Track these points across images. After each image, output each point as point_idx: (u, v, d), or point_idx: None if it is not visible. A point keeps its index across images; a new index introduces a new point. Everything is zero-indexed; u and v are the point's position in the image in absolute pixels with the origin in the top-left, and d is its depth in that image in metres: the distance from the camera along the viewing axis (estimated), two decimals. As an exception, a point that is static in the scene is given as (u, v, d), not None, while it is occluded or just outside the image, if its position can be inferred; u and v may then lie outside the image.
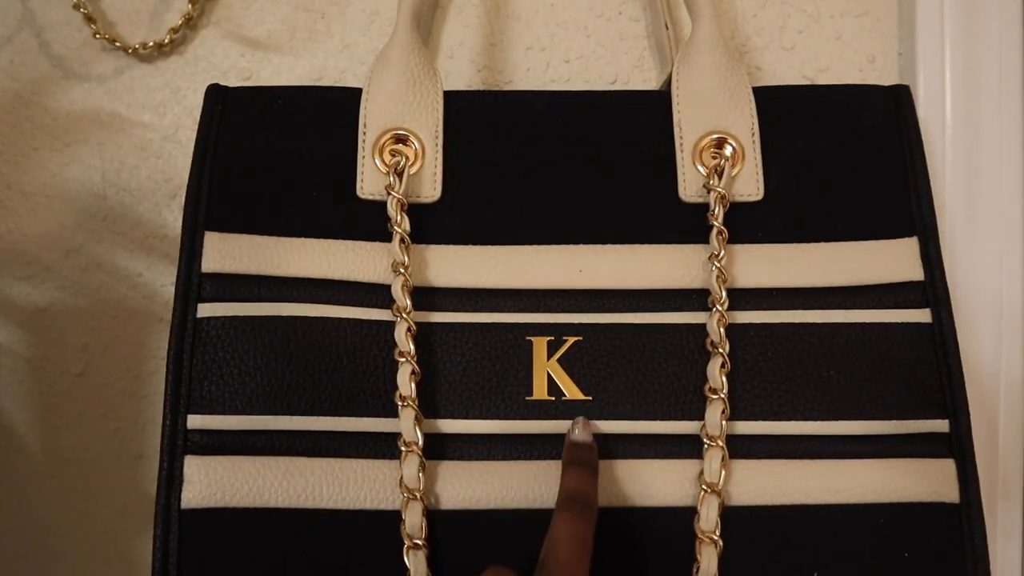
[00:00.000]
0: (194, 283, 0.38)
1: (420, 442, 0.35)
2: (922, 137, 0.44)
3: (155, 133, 0.52)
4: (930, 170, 0.44)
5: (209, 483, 0.36)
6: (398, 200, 0.38)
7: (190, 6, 0.51)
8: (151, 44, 0.51)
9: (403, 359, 0.36)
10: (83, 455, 0.53)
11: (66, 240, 0.53)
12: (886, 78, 0.49)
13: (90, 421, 0.53)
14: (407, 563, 0.34)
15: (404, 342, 0.36)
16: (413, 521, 0.35)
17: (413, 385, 0.36)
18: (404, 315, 0.36)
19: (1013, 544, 0.46)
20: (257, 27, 0.52)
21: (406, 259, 0.37)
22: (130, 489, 0.53)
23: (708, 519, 0.34)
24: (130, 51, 0.52)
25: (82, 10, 0.51)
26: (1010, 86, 0.47)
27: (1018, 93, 0.47)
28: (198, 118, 0.50)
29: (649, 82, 0.50)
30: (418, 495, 0.35)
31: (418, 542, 0.34)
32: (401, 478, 0.35)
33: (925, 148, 0.45)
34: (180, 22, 0.51)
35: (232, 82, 0.51)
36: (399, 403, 0.36)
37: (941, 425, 0.37)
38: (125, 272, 0.52)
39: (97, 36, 0.52)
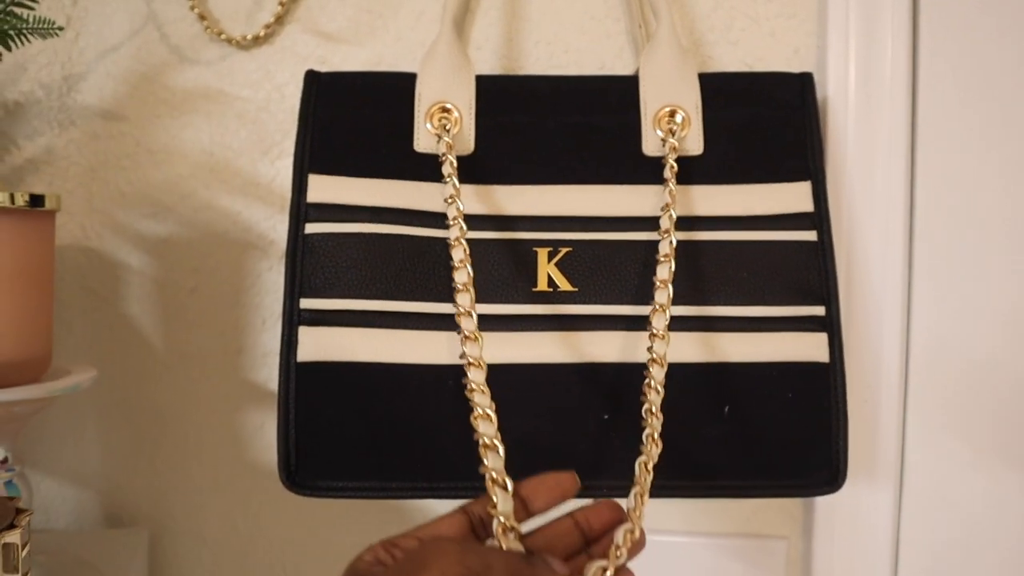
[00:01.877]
0: (302, 210, 0.54)
1: (475, 314, 0.48)
2: (830, 107, 0.60)
3: (251, 105, 0.67)
4: (834, 131, 0.60)
5: (316, 345, 0.52)
6: (447, 143, 0.53)
7: (280, 7, 0.66)
8: (249, 36, 0.66)
9: (461, 261, 0.49)
10: (195, 351, 0.68)
11: (182, 187, 0.68)
12: (807, 65, 0.64)
13: (200, 326, 0.68)
14: (471, 394, 0.46)
15: (459, 250, 0.49)
16: (475, 372, 0.47)
17: (468, 276, 0.49)
18: (459, 231, 0.50)
19: (894, 390, 0.62)
20: (330, 24, 0.67)
21: (456, 190, 0.51)
22: (232, 376, 0.68)
23: (654, 369, 0.50)
24: (232, 42, 0.66)
25: (195, 10, 0.67)
26: (898, 71, 0.62)
27: (904, 77, 0.62)
28: (285, 94, 0.66)
29: (627, 68, 0.65)
30: (475, 351, 0.47)
31: (480, 385, 0.46)
32: (463, 337, 0.48)
33: (832, 116, 0.61)
34: (271, 19, 0.66)
35: (310, 66, 0.66)
36: (458, 288, 0.49)
37: (819, 310, 0.53)
38: (228, 211, 0.68)
39: (207, 30, 0.67)
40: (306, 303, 0.52)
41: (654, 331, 0.50)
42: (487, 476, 0.42)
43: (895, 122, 0.62)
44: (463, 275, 0.50)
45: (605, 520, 0.43)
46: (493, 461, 0.43)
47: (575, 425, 0.51)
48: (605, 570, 0.39)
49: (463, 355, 0.48)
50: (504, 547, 0.39)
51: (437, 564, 0.32)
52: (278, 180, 0.67)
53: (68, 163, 0.68)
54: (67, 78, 0.68)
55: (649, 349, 0.49)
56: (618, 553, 0.39)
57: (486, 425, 0.45)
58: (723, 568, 0.66)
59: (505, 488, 0.41)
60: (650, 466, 0.44)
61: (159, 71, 0.68)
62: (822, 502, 0.64)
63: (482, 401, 0.46)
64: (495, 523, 0.40)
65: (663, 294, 0.51)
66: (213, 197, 0.68)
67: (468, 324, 0.49)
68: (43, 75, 0.68)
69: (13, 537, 0.40)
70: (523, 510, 0.41)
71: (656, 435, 0.45)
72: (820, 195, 0.55)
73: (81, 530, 0.70)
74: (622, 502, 0.45)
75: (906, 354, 0.63)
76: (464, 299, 0.49)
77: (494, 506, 0.40)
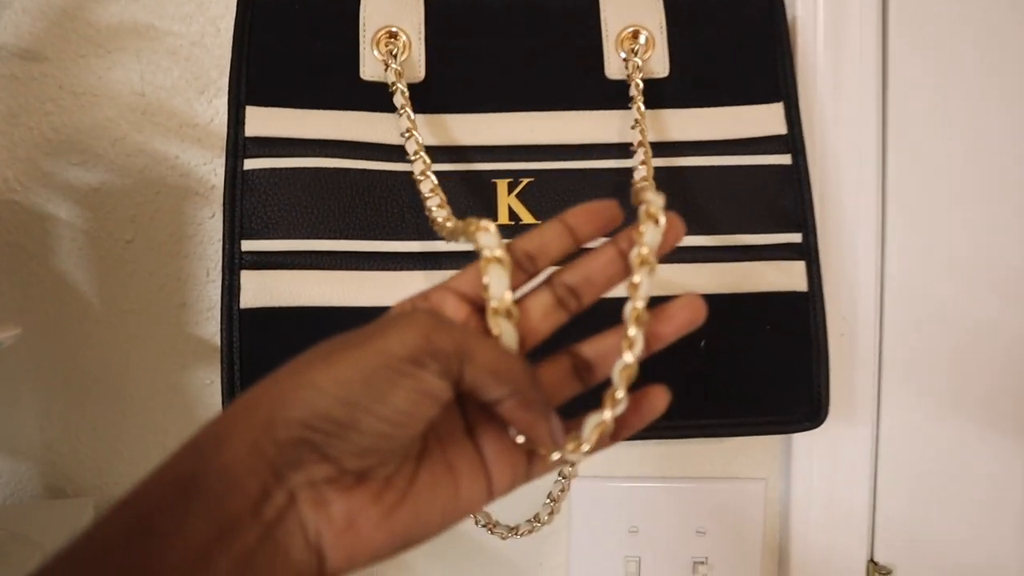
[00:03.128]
0: (240, 145, 0.50)
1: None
2: (799, 25, 0.57)
3: (184, 40, 0.62)
4: (803, 50, 0.57)
5: (259, 290, 0.48)
6: (396, 71, 0.50)
7: (209, -68, 0.61)
8: (177, -35, 0.62)
9: (430, 193, 0.45)
10: (135, 307, 0.64)
11: (112, 131, 0.63)
12: (775, -15, 0.61)
13: (140, 279, 0.64)
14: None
15: (426, 177, 0.46)
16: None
17: (442, 207, 0.45)
18: (420, 161, 0.46)
19: (870, 321, 0.60)
20: (266, -51, 0.62)
21: (410, 113, 0.48)
22: (176, 332, 0.64)
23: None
24: (159, -29, 0.62)
25: (117, -63, 0.62)
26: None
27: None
28: (221, 28, 0.61)
29: (587, -9, 0.61)
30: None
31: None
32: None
33: (802, 36, 0.58)
34: (201, -54, 0.62)
35: (247, -4, 0.61)
36: (433, 214, 0.44)
37: (796, 237, 0.51)
38: (164, 155, 0.63)
39: (131, -41, 0.62)
40: (248, 245, 0.48)
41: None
42: (480, 253, 0.34)
43: (865, 40, 0.59)
44: (439, 207, 0.46)
45: (598, 225, 0.35)
46: (485, 239, 0.34)
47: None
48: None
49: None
50: (496, 332, 0.33)
51: (400, 332, 0.28)
52: (217, 120, 0.62)
53: (-15, 108, 0.63)
54: (-21, 16, 0.63)
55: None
56: (616, 397, 0.33)
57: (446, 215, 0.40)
58: (700, 512, 0.64)
59: (501, 263, 0.33)
60: (650, 256, 0.36)
61: (80, 5, 0.62)
62: (800, 441, 0.62)
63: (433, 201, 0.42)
64: (490, 311, 0.33)
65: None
66: (147, 141, 0.63)
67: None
68: (-48, 12, 0.63)
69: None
70: (570, 238, 0.35)
71: (654, 209, 0.39)
72: (793, 117, 0.52)
73: (20, 503, 0.65)
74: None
75: (880, 284, 0.61)
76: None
77: (485, 289, 0.33)
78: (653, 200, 0.34)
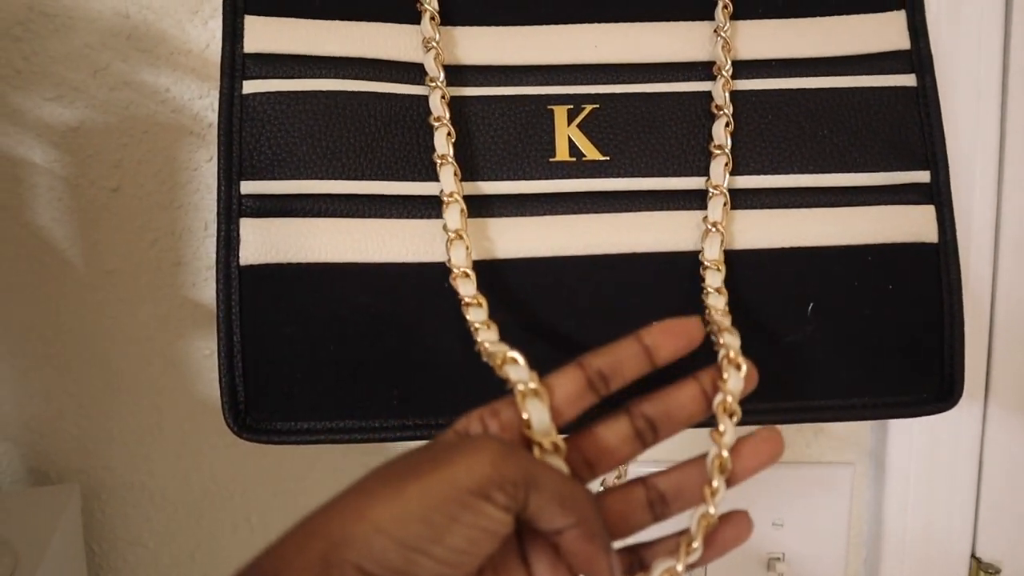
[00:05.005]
0: (238, 63, 0.41)
1: (461, 191, 0.39)
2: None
3: (174, -51, 0.54)
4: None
5: (263, 242, 0.39)
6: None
7: None
8: None
9: (438, 123, 0.39)
10: (123, 266, 0.56)
11: (92, 60, 0.54)
12: None
13: (128, 233, 0.56)
14: (457, 287, 0.37)
15: (439, 107, 0.39)
16: (458, 256, 0.38)
17: (450, 146, 0.39)
18: (438, 84, 0.40)
19: (983, 282, 0.51)
20: None
21: (436, 35, 0.40)
22: (171, 295, 0.56)
23: (712, 252, 0.38)
24: None
25: None
26: None
27: None
28: (216, -67, 0.52)
29: None
30: (464, 235, 0.38)
31: (466, 271, 0.38)
32: (445, 225, 0.39)
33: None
34: None
35: None
36: (438, 161, 0.39)
37: (923, 176, 0.41)
38: (153, 88, 0.55)
39: None
40: (248, 187, 0.40)
41: (711, 209, 0.38)
42: (515, 390, 0.32)
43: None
44: (443, 144, 0.39)
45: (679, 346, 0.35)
46: (515, 373, 0.33)
47: (613, 335, 0.39)
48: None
49: (448, 231, 0.38)
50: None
51: (467, 460, 0.28)
52: (214, 45, 0.54)
53: (-56, 35, 0.54)
54: (-65, -77, 0.54)
55: (706, 233, 0.38)
56: (691, 547, 0.32)
57: (489, 336, 0.36)
58: (776, 502, 0.56)
59: (537, 396, 0.32)
60: (734, 404, 0.35)
61: (53, -90, 0.53)
62: (895, 422, 0.53)
63: (466, 291, 0.37)
64: (535, 447, 0.32)
65: (721, 159, 0.39)
66: (133, 71, 0.55)
67: (453, 210, 0.39)
68: (-97, -80, 0.54)
69: None
70: (647, 360, 0.34)
71: (733, 353, 0.34)
72: (919, 27, 0.43)
73: (-2, 489, 0.58)
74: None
75: (996, 238, 0.52)
76: (448, 176, 0.38)
77: (528, 425, 0.32)
78: (731, 344, 0.34)
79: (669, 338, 0.34)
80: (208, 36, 0.54)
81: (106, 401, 0.58)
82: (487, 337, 0.35)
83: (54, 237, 0.56)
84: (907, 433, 0.54)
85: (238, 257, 0.39)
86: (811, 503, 0.56)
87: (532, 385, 0.32)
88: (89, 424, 0.58)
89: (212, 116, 0.54)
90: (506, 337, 0.36)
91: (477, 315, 0.36)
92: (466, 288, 0.37)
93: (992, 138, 0.50)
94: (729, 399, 0.34)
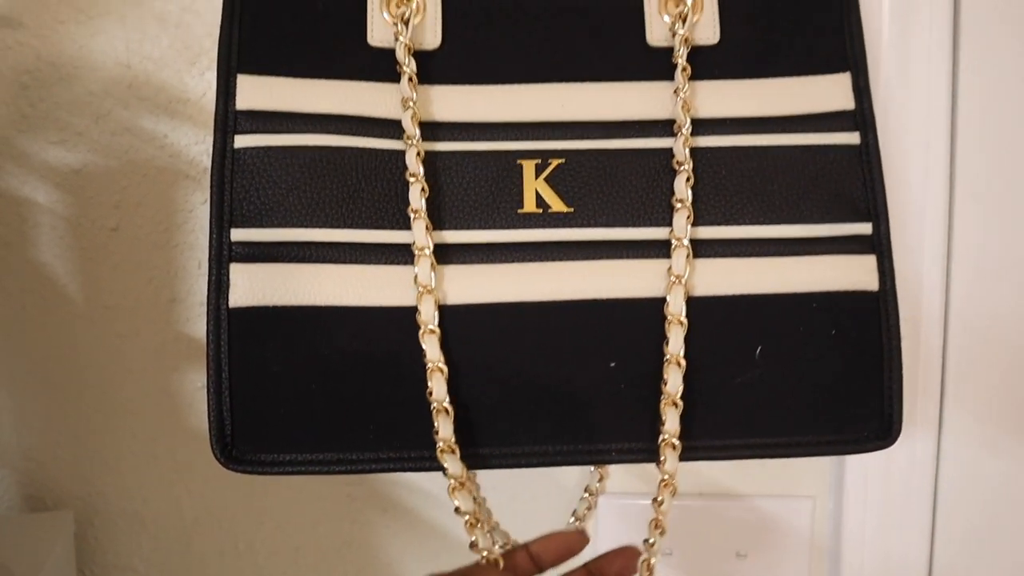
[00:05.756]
0: (230, 119, 0.44)
1: (431, 246, 0.42)
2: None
3: (174, 5, 0.56)
4: (868, 16, 0.50)
5: (251, 286, 0.42)
6: (405, 45, 0.44)
7: None
8: (166, -78, 0.56)
9: (413, 179, 0.42)
10: (121, 302, 0.59)
11: (95, 106, 0.57)
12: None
13: (126, 271, 0.58)
14: (423, 345, 0.41)
15: (414, 164, 0.42)
16: (427, 311, 0.41)
17: (423, 200, 0.42)
18: (414, 142, 0.43)
19: (935, 322, 0.54)
20: (264, -95, 0.56)
21: (414, 95, 0.43)
22: (165, 330, 0.59)
23: (676, 304, 0.41)
24: (147, -71, 0.56)
25: None
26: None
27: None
28: (213, -10, 0.56)
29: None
30: (431, 289, 0.41)
31: (432, 327, 0.41)
32: (416, 276, 0.42)
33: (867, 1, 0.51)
34: (192, -100, 0.56)
35: (243, -44, 0.55)
36: (411, 215, 0.42)
37: (865, 228, 0.44)
38: (152, 134, 0.58)
39: (115, -84, 0.56)
40: (238, 234, 0.42)
41: (671, 259, 0.41)
42: (438, 444, 0.40)
43: (936, 6, 0.52)
44: (416, 198, 0.42)
45: (617, 569, 0.43)
46: (442, 429, 0.40)
47: (575, 376, 0.42)
48: None
49: (418, 284, 0.42)
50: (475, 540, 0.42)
51: None
52: (210, 95, 0.57)
53: (-44, 82, 0.57)
54: (-51, -21, 0.57)
55: (670, 284, 0.41)
56: None
57: (437, 382, 0.41)
58: (740, 533, 0.58)
59: (454, 453, 0.41)
60: (674, 440, 0.39)
61: (61, -33, 0.57)
62: (854, 456, 0.56)
63: (431, 353, 0.41)
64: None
65: (683, 213, 0.42)
66: (133, 118, 0.58)
67: (424, 259, 0.42)
68: (-81, -25, 0.57)
69: None
70: (533, 565, 0.43)
71: (677, 397, 0.37)
72: (862, 88, 0.46)
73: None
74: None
75: (947, 284, 0.55)
76: (419, 229, 0.42)
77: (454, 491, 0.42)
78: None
79: (551, 549, 0.43)
80: (205, 86, 0.57)
81: (101, 431, 0.60)
82: (444, 432, 0.41)
83: (55, 273, 0.59)
84: (863, 468, 0.56)
85: (228, 300, 0.42)
86: (774, 534, 0.59)
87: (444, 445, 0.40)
88: (84, 452, 0.60)
89: (207, 161, 0.57)
90: (476, 380, 0.40)
91: (437, 386, 0.41)
92: (431, 347, 0.40)
93: (941, 188, 0.53)
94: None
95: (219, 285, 0.42)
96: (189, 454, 0.60)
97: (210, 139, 0.56)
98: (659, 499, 0.41)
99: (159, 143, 0.57)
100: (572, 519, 0.58)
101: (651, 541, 0.42)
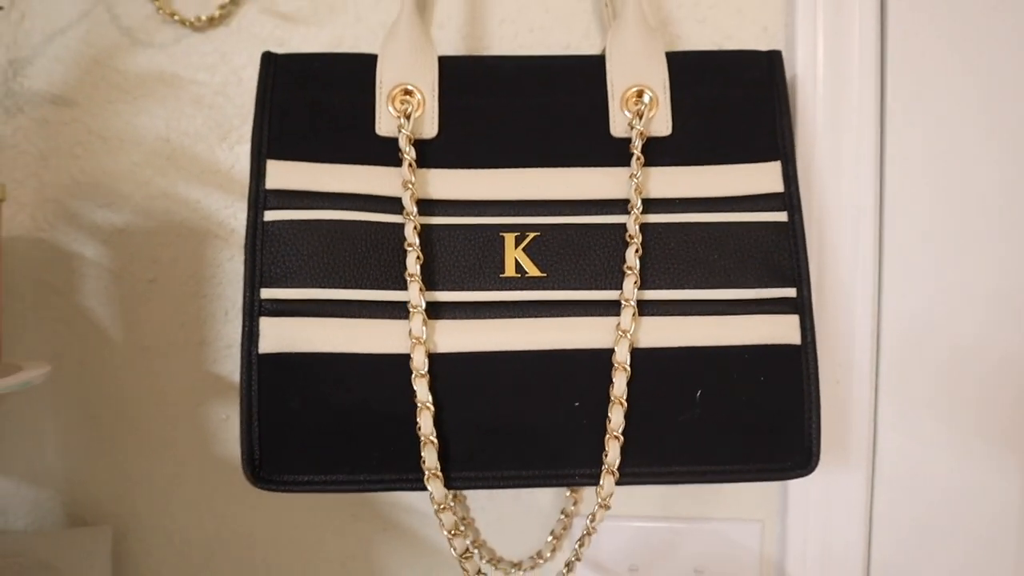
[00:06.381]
0: (261, 197, 0.52)
1: (423, 305, 0.50)
2: (799, 84, 0.60)
3: (207, 89, 0.65)
4: (803, 108, 0.59)
5: (278, 336, 0.50)
6: (407, 135, 0.52)
7: (234, -13, 0.64)
8: (203, 18, 0.64)
9: (410, 248, 0.51)
10: (156, 344, 0.67)
11: (137, 175, 0.66)
12: (776, 43, 0.63)
13: (161, 317, 0.66)
14: (414, 387, 0.49)
15: (411, 235, 0.51)
16: (419, 358, 0.50)
17: (418, 266, 0.51)
18: (411, 218, 0.51)
19: (865, 367, 0.62)
20: (288, 4, 0.64)
21: (412, 178, 0.52)
22: (195, 370, 0.66)
23: (621, 353, 0.50)
24: (186, 23, 0.64)
25: (146, -9, 0.65)
26: (867, 48, 0.61)
27: (872, 54, 0.61)
28: (243, 77, 0.64)
29: (594, 48, 0.64)
30: (422, 340, 0.50)
31: (422, 372, 0.50)
32: (410, 330, 0.50)
33: (801, 94, 0.60)
34: (227, 0, 0.65)
35: (268, 48, 0.64)
36: (408, 279, 0.51)
37: (791, 292, 0.53)
38: (186, 199, 0.66)
39: (159, 11, 0.64)
40: (267, 293, 0.51)
41: (622, 317, 0.50)
42: (425, 470, 0.48)
43: (864, 100, 0.61)
44: (413, 264, 0.50)
45: None
46: (428, 457, 0.49)
47: (545, 413, 0.50)
48: None
49: (412, 336, 0.50)
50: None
51: None
52: (238, 167, 0.65)
53: (17, 151, 0.66)
54: (13, 62, 0.66)
55: (618, 338, 0.49)
56: None
57: (424, 419, 0.49)
58: (698, 552, 0.66)
59: (438, 478, 0.48)
60: (614, 468, 0.48)
61: (110, 54, 0.66)
62: (796, 484, 0.64)
63: (421, 394, 0.49)
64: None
65: (631, 278, 0.51)
66: (170, 185, 0.66)
67: (417, 316, 0.50)
68: (-12, 60, 0.66)
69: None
70: None
71: (619, 432, 0.46)
72: (790, 175, 0.54)
73: (41, 530, 0.68)
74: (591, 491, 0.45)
75: (877, 335, 0.63)
76: (414, 290, 0.50)
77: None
78: None
79: None
80: (233, 159, 0.65)
81: (136, 456, 0.68)
82: (429, 460, 0.49)
83: (99, 318, 0.67)
84: (805, 494, 0.64)
85: (258, 347, 0.50)
86: (728, 553, 0.66)
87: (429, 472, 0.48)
88: (121, 475, 0.68)
89: (234, 223, 0.65)
90: (459, 417, 0.48)
91: (425, 422, 0.49)
92: (421, 390, 0.49)
93: (870, 253, 0.62)
94: None
95: (251, 335, 0.51)
96: (213, 478, 0.68)
97: (237, 204, 0.65)
98: (593, 515, 0.49)
99: (192, 207, 0.66)
100: (550, 537, 0.66)
101: (578, 546, 0.52)
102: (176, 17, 0.64)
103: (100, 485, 0.68)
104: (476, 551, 0.62)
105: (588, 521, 0.51)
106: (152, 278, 0.66)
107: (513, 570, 0.65)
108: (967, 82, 0.61)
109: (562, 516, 0.66)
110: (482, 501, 0.67)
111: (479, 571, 0.51)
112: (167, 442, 0.67)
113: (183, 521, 0.68)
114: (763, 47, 0.62)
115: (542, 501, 0.67)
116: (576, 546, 0.53)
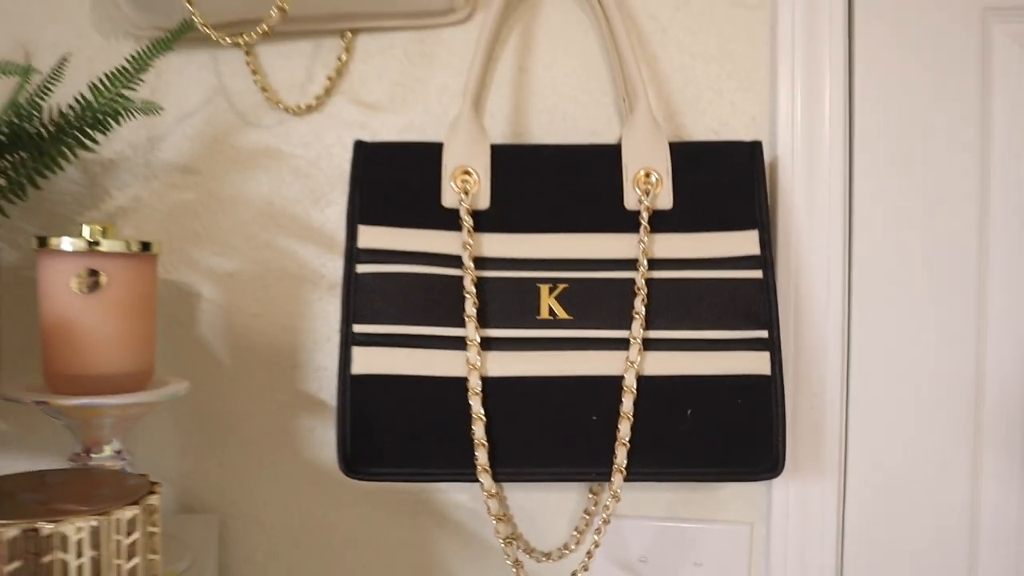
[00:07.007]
0: (354, 254, 0.68)
1: (478, 339, 0.65)
2: (780, 164, 0.74)
3: (303, 162, 0.82)
4: (783, 183, 0.74)
5: (365, 361, 0.66)
6: (466, 208, 0.68)
7: (328, 82, 0.80)
8: (302, 105, 0.81)
9: (468, 296, 0.66)
10: (257, 366, 0.82)
11: (245, 230, 0.82)
12: (762, 130, 0.78)
13: (262, 345, 0.81)
14: (470, 402, 0.64)
15: (469, 286, 0.66)
16: (474, 381, 0.64)
17: (474, 309, 0.65)
18: (469, 272, 0.66)
19: (836, 390, 0.76)
20: (370, 96, 0.81)
21: (470, 241, 0.67)
22: (288, 388, 0.81)
23: (629, 379, 0.64)
24: (288, 110, 0.81)
25: (257, 83, 0.81)
26: (836, 135, 0.76)
27: (841, 141, 0.76)
28: (333, 153, 0.80)
29: (614, 132, 0.79)
30: (477, 367, 0.65)
31: (477, 391, 0.64)
32: (467, 359, 0.65)
33: (782, 172, 0.75)
34: (321, 92, 0.81)
35: (353, 131, 0.80)
36: (466, 319, 0.66)
37: (764, 334, 0.67)
38: (285, 250, 0.82)
39: (267, 100, 0.81)
40: (358, 328, 0.66)
41: (631, 351, 0.64)
42: (477, 466, 0.62)
43: (833, 176, 0.75)
44: (470, 308, 0.65)
45: None
46: (480, 456, 0.63)
47: (571, 424, 0.65)
48: None
49: (468, 364, 0.64)
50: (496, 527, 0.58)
51: None
52: (327, 225, 0.81)
53: (151, 210, 0.82)
54: (151, 139, 0.82)
55: (627, 367, 0.64)
56: None
57: (478, 427, 0.63)
58: (698, 548, 0.80)
59: (487, 472, 0.63)
60: (623, 468, 0.61)
61: (227, 133, 0.82)
62: (778, 492, 0.78)
63: (475, 408, 0.63)
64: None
65: (638, 321, 0.65)
66: (272, 239, 0.81)
67: (472, 348, 0.64)
68: (132, 137, 0.83)
69: (155, 500, 0.53)
70: None
71: (626, 440, 0.61)
72: (765, 241, 0.68)
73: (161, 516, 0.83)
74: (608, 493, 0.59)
75: (846, 368, 0.77)
76: (470, 327, 0.64)
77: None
78: None
79: None
80: (324, 219, 0.81)
81: (238, 458, 0.83)
82: (481, 459, 0.64)
83: (212, 345, 0.83)
84: (785, 502, 0.78)
85: (350, 370, 0.66)
86: (724, 550, 0.80)
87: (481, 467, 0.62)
88: (225, 474, 0.83)
89: (323, 271, 0.81)
90: (505, 425, 0.63)
91: (478, 430, 0.63)
92: (475, 405, 0.63)
93: (838, 301, 0.76)
94: None
95: (346, 360, 0.66)
96: (301, 477, 0.82)
97: (326, 255, 0.81)
98: (607, 505, 0.63)
99: (290, 257, 0.82)
100: (575, 532, 0.80)
101: (596, 535, 0.65)
102: (280, 105, 0.81)
103: (208, 482, 0.83)
104: (513, 542, 0.76)
105: (603, 512, 0.65)
106: (255, 313, 0.82)
107: (544, 558, 0.79)
108: (922, 162, 0.75)
109: (585, 515, 0.80)
110: (519, 500, 0.81)
111: (516, 559, 0.66)
112: (264, 447, 0.82)
113: (275, 512, 0.83)
114: (751, 134, 0.76)
115: (568, 502, 0.81)
116: (595, 535, 0.67)
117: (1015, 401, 0.75)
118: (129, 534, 0.51)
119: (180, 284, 0.82)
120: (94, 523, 0.49)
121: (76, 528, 0.48)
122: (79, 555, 0.48)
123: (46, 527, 0.47)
